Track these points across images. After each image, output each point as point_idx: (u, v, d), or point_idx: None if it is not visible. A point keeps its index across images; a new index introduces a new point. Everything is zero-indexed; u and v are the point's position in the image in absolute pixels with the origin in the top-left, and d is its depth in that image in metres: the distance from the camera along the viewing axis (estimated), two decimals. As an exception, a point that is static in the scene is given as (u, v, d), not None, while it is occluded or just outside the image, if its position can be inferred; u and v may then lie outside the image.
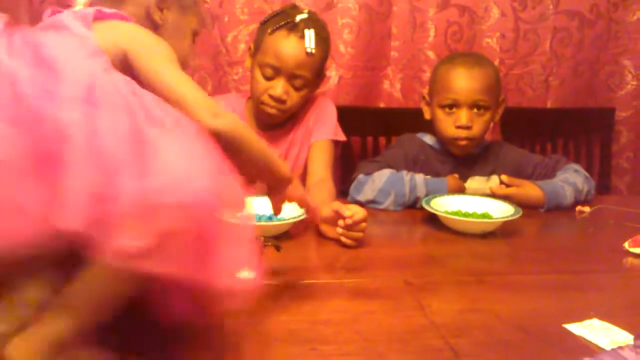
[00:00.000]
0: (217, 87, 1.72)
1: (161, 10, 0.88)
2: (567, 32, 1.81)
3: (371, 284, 0.86)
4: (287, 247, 0.98)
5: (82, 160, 0.45)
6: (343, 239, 1.01)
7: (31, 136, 0.45)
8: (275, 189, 0.77)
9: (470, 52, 1.60)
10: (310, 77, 1.29)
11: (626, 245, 1.02)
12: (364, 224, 1.01)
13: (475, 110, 1.32)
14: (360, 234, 1.01)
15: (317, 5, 1.67)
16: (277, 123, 1.36)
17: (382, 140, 1.77)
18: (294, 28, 1.25)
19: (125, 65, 0.69)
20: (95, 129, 0.47)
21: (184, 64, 0.80)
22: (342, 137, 1.41)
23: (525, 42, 1.80)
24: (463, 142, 1.35)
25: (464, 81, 1.32)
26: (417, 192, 1.27)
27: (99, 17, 0.72)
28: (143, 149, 0.48)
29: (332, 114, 1.41)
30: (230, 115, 0.69)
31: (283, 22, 1.26)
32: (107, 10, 0.73)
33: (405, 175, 1.29)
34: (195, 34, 0.96)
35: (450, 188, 1.30)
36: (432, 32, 1.75)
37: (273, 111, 1.30)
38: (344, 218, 1.00)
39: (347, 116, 1.50)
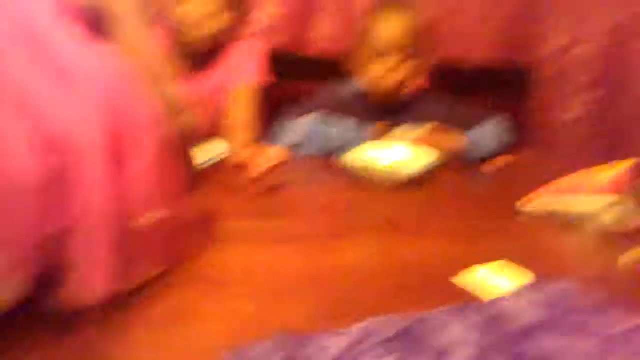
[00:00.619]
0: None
1: None
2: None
3: (289, 229, 0.86)
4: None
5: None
6: (260, 183, 0.99)
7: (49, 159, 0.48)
8: None
9: (400, 2, 1.59)
10: None
11: (524, 202, 1.02)
12: (281, 169, 1.00)
13: (401, 58, 1.32)
14: (277, 179, 1.00)
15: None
16: (201, 53, 1.32)
17: (310, 86, 1.74)
18: None
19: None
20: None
21: None
22: (267, 79, 1.37)
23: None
24: (387, 90, 1.35)
25: (390, 29, 1.31)
26: (341, 139, 1.27)
27: None
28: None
29: (257, 57, 1.38)
30: None
31: None
32: None
33: (330, 121, 1.28)
34: None
35: (375, 136, 1.30)
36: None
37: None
38: (261, 163, 0.98)
39: (275, 61, 1.46)
